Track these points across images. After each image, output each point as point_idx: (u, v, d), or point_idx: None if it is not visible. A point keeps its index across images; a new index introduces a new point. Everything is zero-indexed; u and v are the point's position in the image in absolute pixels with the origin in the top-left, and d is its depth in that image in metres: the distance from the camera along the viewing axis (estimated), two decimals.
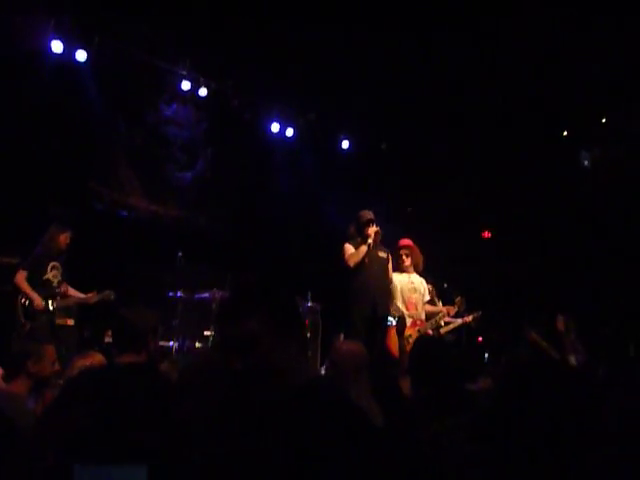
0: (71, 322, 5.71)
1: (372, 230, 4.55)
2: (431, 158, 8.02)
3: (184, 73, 6.90)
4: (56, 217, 5.13)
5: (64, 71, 6.15)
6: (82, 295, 5.02)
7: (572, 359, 4.27)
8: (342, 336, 4.77)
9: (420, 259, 5.29)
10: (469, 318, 5.76)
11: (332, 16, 5.91)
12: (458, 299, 5.50)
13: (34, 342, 3.54)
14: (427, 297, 5.34)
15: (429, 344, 2.65)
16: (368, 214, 4.68)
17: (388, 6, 5.81)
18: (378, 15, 5.91)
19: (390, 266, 4.95)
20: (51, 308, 4.75)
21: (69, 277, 5.07)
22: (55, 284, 4.87)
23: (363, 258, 4.52)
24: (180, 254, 6.17)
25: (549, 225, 7.70)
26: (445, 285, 6.22)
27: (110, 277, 5.42)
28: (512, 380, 1.02)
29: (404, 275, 5.19)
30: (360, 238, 4.61)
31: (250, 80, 7.19)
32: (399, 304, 5.06)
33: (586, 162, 8.41)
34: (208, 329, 6.22)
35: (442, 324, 5.87)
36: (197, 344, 6.19)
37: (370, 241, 4.51)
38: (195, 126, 7.62)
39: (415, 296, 5.14)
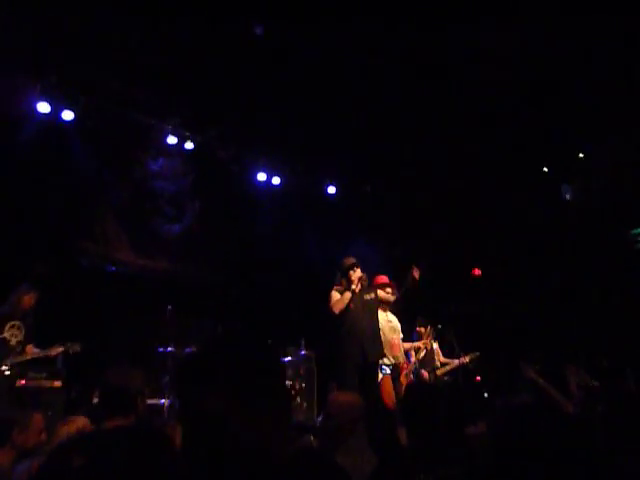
0: (58, 384, 5.55)
1: (356, 275, 4.52)
2: (416, 198, 8.11)
3: (169, 127, 7.02)
4: (35, 275, 5.12)
5: (50, 130, 6.23)
6: (45, 351, 4.94)
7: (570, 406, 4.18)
8: (335, 385, 4.66)
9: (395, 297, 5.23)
10: (466, 358, 5.70)
11: (315, 64, 6.08)
12: (428, 328, 5.44)
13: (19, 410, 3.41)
14: (401, 335, 5.23)
15: (421, 392, 2.58)
16: (350, 259, 4.67)
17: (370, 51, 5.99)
18: (359, 59, 6.08)
19: (381, 305, 4.90)
20: (4, 367, 4.68)
21: (53, 333, 5.01)
22: (13, 343, 4.83)
23: (348, 304, 4.47)
24: (170, 307, 6.09)
25: (535, 259, 7.75)
26: (439, 326, 6.18)
27: (98, 333, 5.31)
28: (504, 427, 0.97)
29: (381, 314, 5.03)
30: (346, 282, 4.58)
31: (235, 131, 7.32)
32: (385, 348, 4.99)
33: (568, 196, 8.56)
34: None
35: (439, 365, 5.80)
36: None
37: (354, 287, 4.48)
38: (182, 179, 7.69)
39: (395, 337, 5.07)
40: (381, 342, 4.57)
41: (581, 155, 7.93)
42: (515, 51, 5.84)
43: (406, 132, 7.08)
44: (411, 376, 5.12)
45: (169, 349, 5.95)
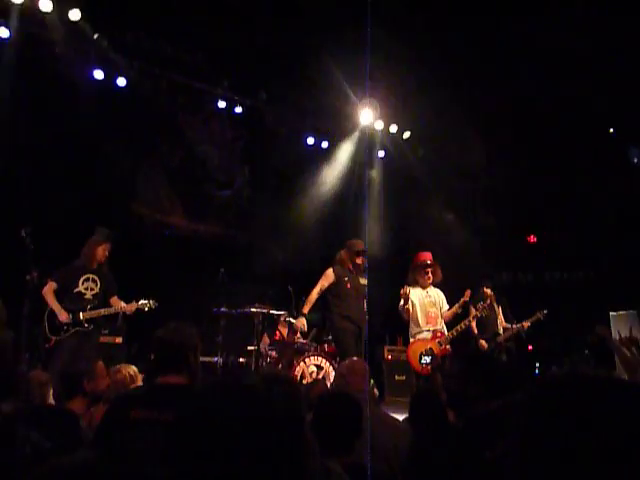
0: (119, 340, 5.82)
1: (360, 261, 5.08)
2: (471, 160, 7.83)
3: (219, 92, 7.03)
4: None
5: (105, 96, 6.37)
6: (119, 306, 4.83)
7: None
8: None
9: (439, 273, 5.29)
10: (526, 324, 5.54)
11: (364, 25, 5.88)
12: (487, 290, 5.32)
13: (84, 361, 3.56)
14: (445, 307, 5.27)
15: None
16: (361, 244, 5.19)
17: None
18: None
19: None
20: (79, 320, 4.62)
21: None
22: (89, 297, 4.72)
23: (346, 284, 5.15)
24: (222, 270, 6.23)
25: (597, 226, 7.36)
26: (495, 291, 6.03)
27: (154, 294, 5.47)
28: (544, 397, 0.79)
29: (420, 290, 5.24)
30: (348, 262, 5.15)
31: (283, 95, 7.24)
32: (420, 320, 5.13)
33: (636, 159, 8.02)
34: (251, 344, 6.24)
35: (501, 332, 5.70)
36: (241, 359, 6.22)
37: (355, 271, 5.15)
38: (231, 144, 7.73)
39: (434, 310, 5.20)
40: (365, 316, 5.11)
41: None
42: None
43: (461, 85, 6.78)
44: (446, 346, 5.05)
45: (222, 309, 6.13)
